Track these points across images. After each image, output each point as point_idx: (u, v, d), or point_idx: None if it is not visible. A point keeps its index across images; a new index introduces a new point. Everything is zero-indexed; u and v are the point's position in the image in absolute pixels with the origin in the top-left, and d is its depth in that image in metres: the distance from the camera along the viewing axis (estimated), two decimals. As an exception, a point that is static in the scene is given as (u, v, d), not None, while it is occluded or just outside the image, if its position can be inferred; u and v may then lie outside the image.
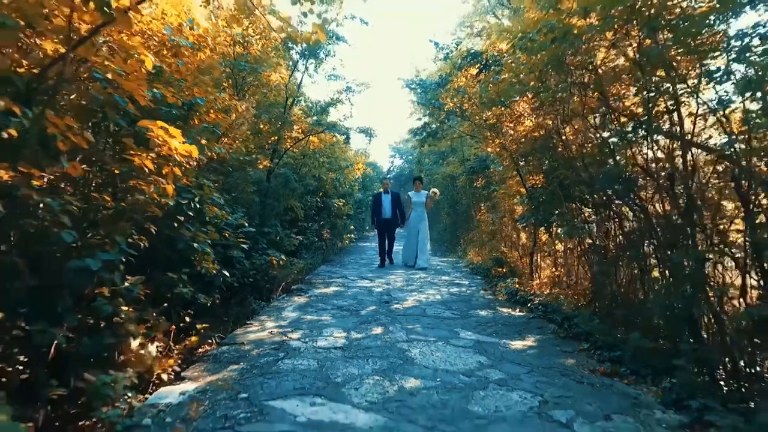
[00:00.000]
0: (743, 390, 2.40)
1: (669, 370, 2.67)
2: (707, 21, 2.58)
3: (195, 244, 2.99)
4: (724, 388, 2.48)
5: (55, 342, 2.02)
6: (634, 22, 2.93)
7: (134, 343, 2.40)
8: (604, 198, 4.01)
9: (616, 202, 3.86)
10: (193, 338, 3.02)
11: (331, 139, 7.78)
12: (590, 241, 4.45)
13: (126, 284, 2.32)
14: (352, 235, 13.36)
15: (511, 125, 5.46)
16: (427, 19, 60.62)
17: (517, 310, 4.81)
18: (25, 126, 1.74)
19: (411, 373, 2.75)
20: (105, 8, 1.72)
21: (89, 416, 2.04)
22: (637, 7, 2.79)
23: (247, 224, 4.30)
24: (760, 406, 2.21)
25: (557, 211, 4.88)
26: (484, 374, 2.79)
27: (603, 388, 2.66)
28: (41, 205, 1.85)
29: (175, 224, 2.97)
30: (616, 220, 4.00)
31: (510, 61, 4.59)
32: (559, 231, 4.90)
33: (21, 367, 1.93)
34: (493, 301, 5.32)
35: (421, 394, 2.44)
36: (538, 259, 6.11)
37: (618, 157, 3.57)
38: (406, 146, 23.69)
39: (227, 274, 3.75)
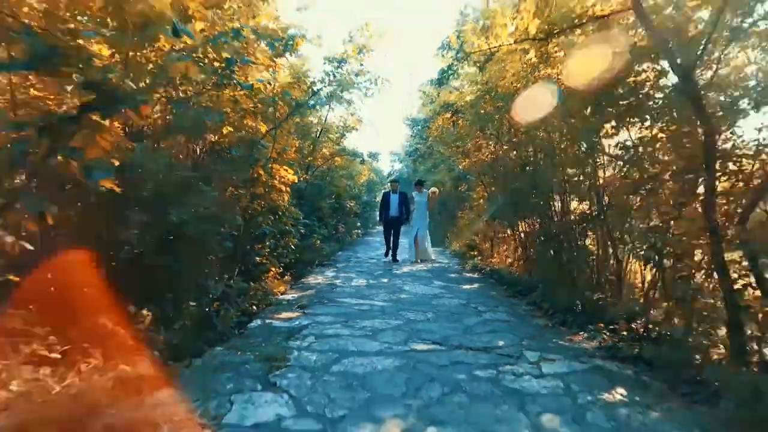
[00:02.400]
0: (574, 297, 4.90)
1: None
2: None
3: (287, 227, 5.52)
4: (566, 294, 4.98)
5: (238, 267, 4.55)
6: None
7: (269, 274, 4.93)
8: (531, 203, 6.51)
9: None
10: (287, 277, 5.55)
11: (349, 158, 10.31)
12: (521, 231, 6.96)
13: (263, 244, 4.85)
14: (359, 231, 15.93)
15: (476, 151, 7.97)
16: (428, 31, 63.45)
17: (475, 274, 7.34)
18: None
19: (403, 293, 5.29)
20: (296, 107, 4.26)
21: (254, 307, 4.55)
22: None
23: (302, 218, 6.81)
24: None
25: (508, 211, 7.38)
26: (441, 295, 5.32)
27: (503, 301, 5.19)
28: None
29: (275, 217, 5.49)
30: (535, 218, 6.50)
31: (472, 110, 7.12)
32: (501, 223, 7.40)
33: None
34: (461, 270, 7.86)
35: (408, 300, 4.97)
36: (495, 244, 8.62)
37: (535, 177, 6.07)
38: (403, 154, 26.12)
39: (294, 247, 6.27)
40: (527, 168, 6.03)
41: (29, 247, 1.82)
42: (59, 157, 1.80)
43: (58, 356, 2.03)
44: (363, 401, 2.26)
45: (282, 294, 5.05)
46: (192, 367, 2.64)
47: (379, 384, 2.49)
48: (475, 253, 9.33)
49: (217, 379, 2.46)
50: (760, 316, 2.58)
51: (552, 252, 5.30)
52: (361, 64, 6.09)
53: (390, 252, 8.97)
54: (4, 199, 1.70)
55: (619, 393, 2.49)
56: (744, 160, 2.83)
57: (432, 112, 8.28)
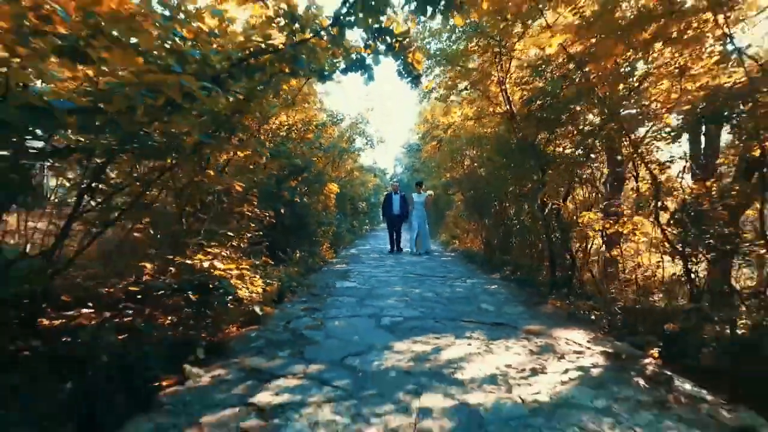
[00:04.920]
0: (501, 257, 8.26)
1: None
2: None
3: (330, 220, 8.89)
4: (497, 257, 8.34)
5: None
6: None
7: (323, 247, 8.34)
8: (494, 206, 9.86)
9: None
10: (331, 251, 8.93)
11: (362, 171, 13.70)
12: (484, 225, 10.31)
13: (322, 228, 8.24)
14: (368, 227, 19.36)
15: (453, 168, 11.33)
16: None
17: (452, 253, 10.73)
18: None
19: (402, 262, 8.69)
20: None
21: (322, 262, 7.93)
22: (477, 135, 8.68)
23: (335, 213, 10.18)
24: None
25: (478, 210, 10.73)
26: (426, 261, 8.72)
27: (464, 264, 8.57)
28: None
29: (323, 213, 8.88)
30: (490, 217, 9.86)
31: (448, 145, 10.50)
32: (471, 219, 10.75)
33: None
34: (444, 252, 11.25)
35: (405, 262, 8.36)
36: (469, 234, 12.00)
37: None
38: (403, 167, 29.60)
39: (331, 234, 9.65)
40: (483, 183, 9.39)
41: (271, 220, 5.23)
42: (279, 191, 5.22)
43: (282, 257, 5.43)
44: (385, 284, 5.64)
45: (330, 259, 8.43)
46: (311, 276, 6.03)
47: (392, 281, 5.88)
48: (456, 240, 12.70)
49: (325, 278, 5.87)
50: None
51: (492, 236, 8.67)
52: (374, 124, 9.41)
53: (393, 246, 10.39)
54: (273, 202, 5.08)
55: (494, 286, 5.86)
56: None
57: (424, 143, 11.70)
